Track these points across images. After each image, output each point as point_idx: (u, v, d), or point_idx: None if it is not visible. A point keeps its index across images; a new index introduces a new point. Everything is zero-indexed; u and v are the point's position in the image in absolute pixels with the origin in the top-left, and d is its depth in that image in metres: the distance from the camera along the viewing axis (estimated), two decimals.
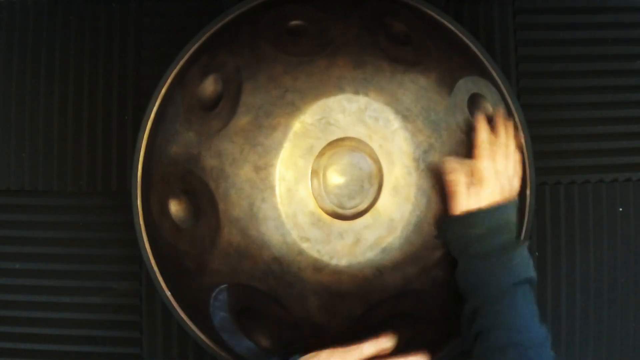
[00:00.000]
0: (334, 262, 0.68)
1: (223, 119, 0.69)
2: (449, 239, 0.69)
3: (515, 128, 0.71)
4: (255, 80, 0.68)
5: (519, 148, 0.71)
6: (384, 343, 0.61)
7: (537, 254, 0.82)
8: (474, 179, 0.67)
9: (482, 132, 0.69)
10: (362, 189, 0.68)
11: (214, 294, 0.70)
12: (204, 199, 0.69)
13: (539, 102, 0.83)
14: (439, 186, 0.70)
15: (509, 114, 0.73)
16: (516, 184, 0.69)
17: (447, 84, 0.71)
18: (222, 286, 0.69)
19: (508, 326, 0.61)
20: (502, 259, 0.63)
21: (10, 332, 0.81)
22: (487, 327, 0.62)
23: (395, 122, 0.69)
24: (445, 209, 0.69)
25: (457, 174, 0.67)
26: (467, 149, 0.71)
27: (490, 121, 0.71)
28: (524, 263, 0.64)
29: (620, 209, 0.83)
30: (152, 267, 0.71)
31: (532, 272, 0.64)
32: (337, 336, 0.70)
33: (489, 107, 0.72)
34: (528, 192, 0.71)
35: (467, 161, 0.69)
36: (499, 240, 0.64)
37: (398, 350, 0.67)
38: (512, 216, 0.66)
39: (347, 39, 0.71)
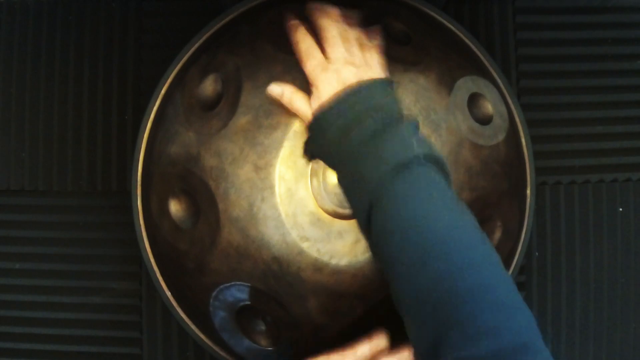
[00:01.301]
0: (334, 261, 0.68)
1: (223, 118, 0.69)
2: (316, 154, 0.59)
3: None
4: (255, 79, 0.68)
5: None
6: (379, 342, 0.58)
7: (537, 254, 0.82)
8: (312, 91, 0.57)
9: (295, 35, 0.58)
10: None
11: (214, 294, 0.70)
12: (204, 199, 0.69)
13: (539, 102, 0.83)
14: None
15: (509, 113, 0.73)
16: (374, 60, 0.58)
17: (447, 83, 0.71)
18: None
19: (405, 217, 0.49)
20: (370, 147, 0.51)
21: (10, 332, 0.81)
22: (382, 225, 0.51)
23: None
24: None
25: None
26: (467, 150, 0.71)
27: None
28: (405, 143, 0.51)
29: (620, 209, 0.83)
30: (152, 267, 0.71)
31: (420, 150, 0.51)
32: (337, 336, 0.70)
33: (489, 107, 0.72)
34: (528, 192, 0.71)
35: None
36: (360, 132, 0.52)
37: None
38: (374, 98, 0.54)
39: None
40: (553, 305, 0.81)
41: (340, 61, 0.57)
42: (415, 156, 0.51)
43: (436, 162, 0.52)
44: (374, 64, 0.59)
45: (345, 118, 0.54)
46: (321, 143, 0.58)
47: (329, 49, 0.59)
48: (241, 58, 0.70)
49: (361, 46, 0.60)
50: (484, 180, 0.72)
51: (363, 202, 0.53)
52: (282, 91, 0.63)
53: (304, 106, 0.60)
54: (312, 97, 0.59)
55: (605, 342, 0.81)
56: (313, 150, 0.62)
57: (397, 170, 0.50)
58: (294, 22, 0.63)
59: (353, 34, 0.61)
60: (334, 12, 0.62)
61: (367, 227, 0.54)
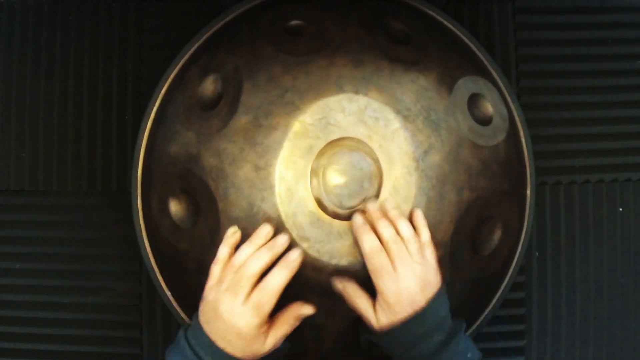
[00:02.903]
0: (333, 262, 0.68)
1: (223, 118, 0.69)
2: (375, 348, 0.66)
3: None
4: (254, 79, 0.68)
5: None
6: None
7: (537, 254, 0.82)
8: (380, 301, 0.62)
9: (365, 241, 0.64)
10: (361, 189, 0.68)
11: None
12: (204, 199, 0.69)
13: (539, 102, 0.83)
14: None
15: (509, 113, 0.73)
16: (435, 273, 0.64)
17: (447, 83, 0.71)
18: None
19: None
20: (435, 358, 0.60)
21: (10, 332, 0.81)
22: None
23: (395, 122, 0.69)
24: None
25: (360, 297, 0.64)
26: (467, 150, 0.71)
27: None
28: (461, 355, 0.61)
29: (620, 209, 0.83)
30: (152, 267, 0.71)
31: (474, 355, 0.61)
32: (337, 336, 0.70)
33: (489, 107, 0.72)
34: (528, 192, 0.71)
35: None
36: (429, 345, 0.60)
37: None
38: (439, 313, 0.62)
39: (346, 39, 0.71)
40: (553, 305, 0.81)
41: (414, 280, 0.62)
42: None
43: None
44: (436, 273, 0.64)
45: (414, 336, 0.61)
46: (387, 347, 0.63)
47: (404, 265, 0.63)
48: (241, 58, 0.70)
49: (420, 255, 0.65)
50: (484, 181, 0.72)
51: None
52: (343, 287, 0.67)
53: (367, 309, 0.64)
54: (378, 303, 0.63)
55: (605, 342, 0.81)
56: (372, 345, 0.66)
57: None
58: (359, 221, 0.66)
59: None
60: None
61: None
